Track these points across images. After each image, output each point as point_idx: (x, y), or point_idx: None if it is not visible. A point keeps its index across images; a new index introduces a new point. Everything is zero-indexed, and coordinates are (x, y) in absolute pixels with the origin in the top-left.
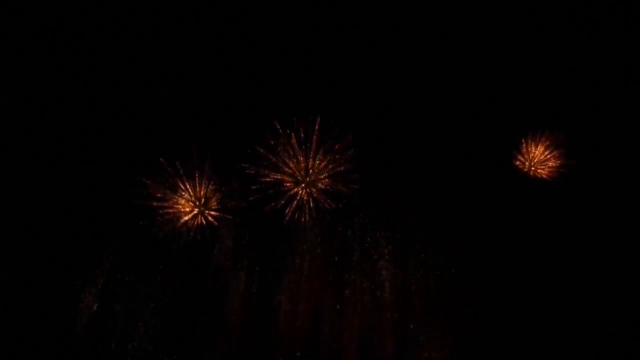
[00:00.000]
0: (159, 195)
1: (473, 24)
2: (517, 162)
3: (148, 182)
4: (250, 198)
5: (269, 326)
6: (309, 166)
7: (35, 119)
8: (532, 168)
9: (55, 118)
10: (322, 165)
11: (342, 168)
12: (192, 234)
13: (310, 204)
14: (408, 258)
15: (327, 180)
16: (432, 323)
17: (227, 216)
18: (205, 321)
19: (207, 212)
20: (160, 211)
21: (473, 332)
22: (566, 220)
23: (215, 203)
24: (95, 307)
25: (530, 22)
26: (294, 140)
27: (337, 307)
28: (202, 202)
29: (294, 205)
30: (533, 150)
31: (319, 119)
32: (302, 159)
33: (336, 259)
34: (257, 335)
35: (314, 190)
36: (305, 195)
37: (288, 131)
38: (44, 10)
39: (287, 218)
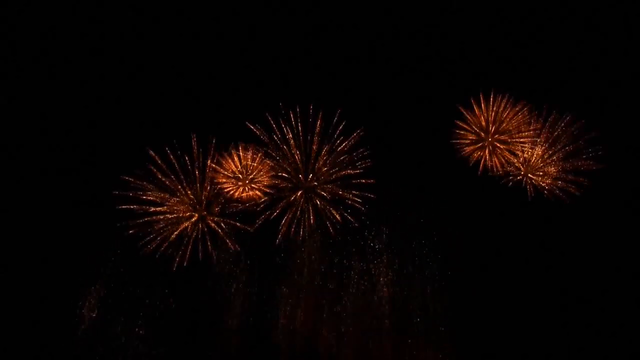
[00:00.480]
0: (157, 200)
1: (471, 23)
2: (512, 168)
3: (145, 184)
4: (247, 205)
5: (269, 330)
6: (309, 168)
7: (34, 120)
8: (529, 174)
9: (54, 119)
10: (324, 169)
11: (348, 171)
12: (192, 240)
13: (310, 214)
14: (407, 262)
15: (330, 186)
16: (431, 325)
17: (233, 222)
18: (206, 324)
19: (209, 217)
20: (160, 217)
21: (471, 335)
22: (565, 222)
23: (218, 207)
24: (96, 310)
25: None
26: (291, 140)
27: (336, 310)
28: (204, 206)
29: (290, 215)
30: (530, 152)
31: (320, 115)
32: (300, 164)
33: (335, 261)
34: (256, 339)
35: (315, 196)
36: (303, 202)
37: (285, 129)
38: (42, 9)
39: (281, 233)
